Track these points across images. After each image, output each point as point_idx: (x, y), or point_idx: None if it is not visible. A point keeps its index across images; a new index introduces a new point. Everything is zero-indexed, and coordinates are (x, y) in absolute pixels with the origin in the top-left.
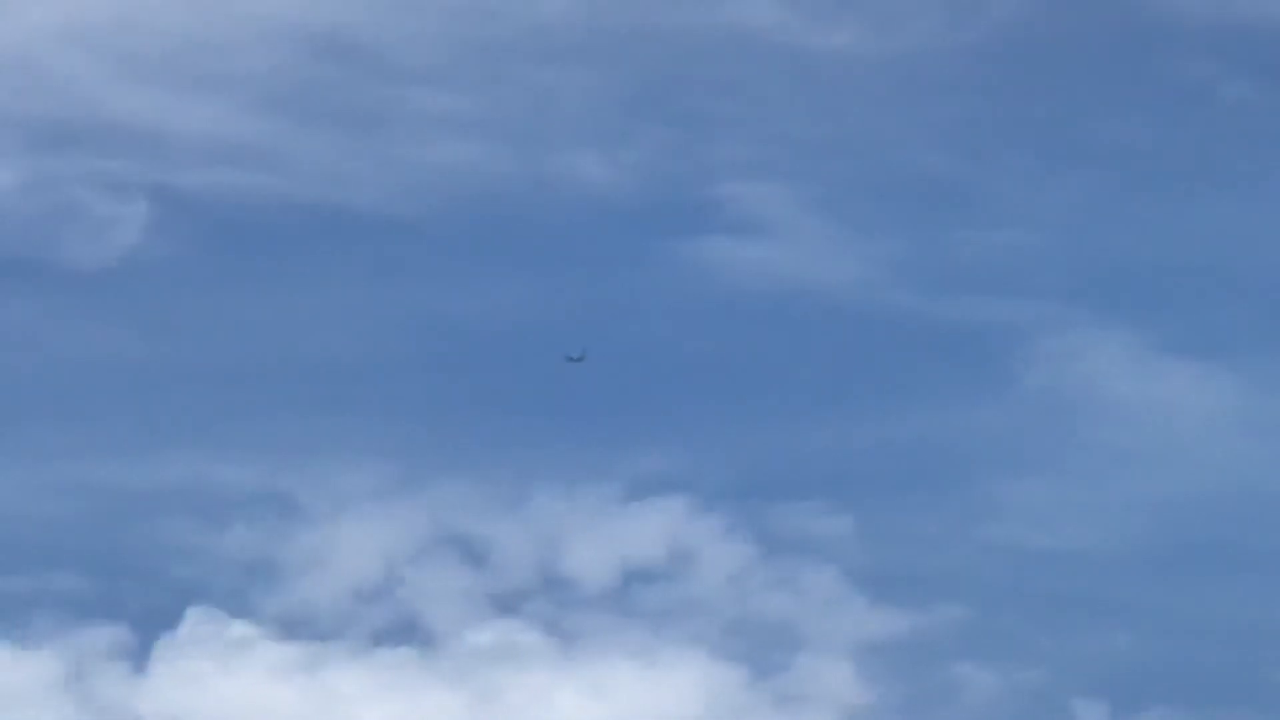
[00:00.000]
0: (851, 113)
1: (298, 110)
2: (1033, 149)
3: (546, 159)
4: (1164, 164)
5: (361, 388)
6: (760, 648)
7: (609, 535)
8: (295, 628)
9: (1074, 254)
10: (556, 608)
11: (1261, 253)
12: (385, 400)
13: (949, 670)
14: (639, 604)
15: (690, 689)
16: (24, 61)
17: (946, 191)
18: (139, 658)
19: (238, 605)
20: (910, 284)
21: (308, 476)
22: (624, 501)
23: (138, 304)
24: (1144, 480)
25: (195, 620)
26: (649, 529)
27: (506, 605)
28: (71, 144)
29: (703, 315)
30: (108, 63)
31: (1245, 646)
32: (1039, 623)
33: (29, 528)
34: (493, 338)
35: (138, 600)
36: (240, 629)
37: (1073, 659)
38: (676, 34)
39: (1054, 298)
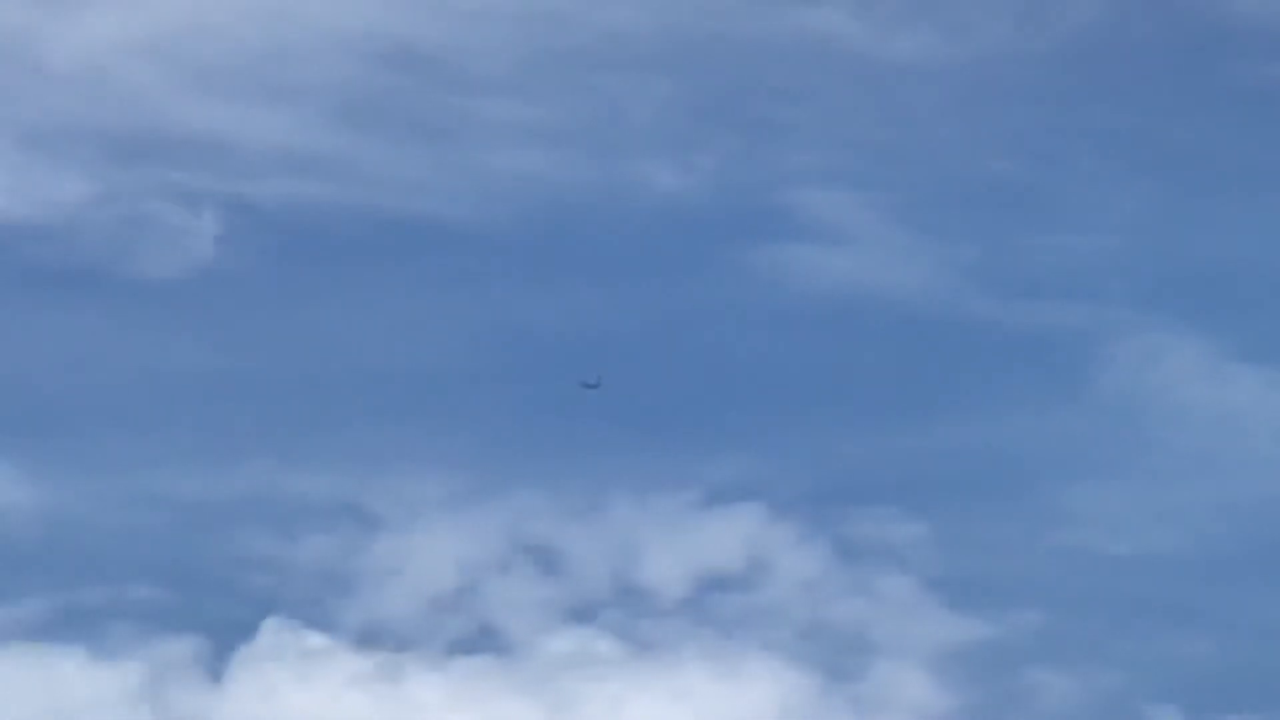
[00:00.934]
0: (923, 119)
1: (370, 121)
2: (1105, 154)
3: (618, 167)
4: (1237, 168)
5: (436, 397)
6: (836, 654)
7: (684, 543)
8: (371, 638)
9: (1147, 259)
10: (632, 616)
11: None
12: (460, 409)
13: (1024, 676)
14: (714, 611)
15: (766, 696)
16: (96, 73)
17: (1018, 197)
18: (215, 668)
19: (314, 616)
20: (983, 290)
21: (383, 486)
22: (699, 509)
23: (211, 315)
24: (1219, 484)
25: (271, 631)
26: (724, 536)
27: (582, 614)
28: (143, 156)
29: (776, 322)
30: (180, 74)
31: None
32: (1114, 628)
33: (105, 539)
34: (566, 345)
35: (214, 611)
36: (316, 640)
37: (1148, 664)
38: (748, 41)
39: (1127, 303)
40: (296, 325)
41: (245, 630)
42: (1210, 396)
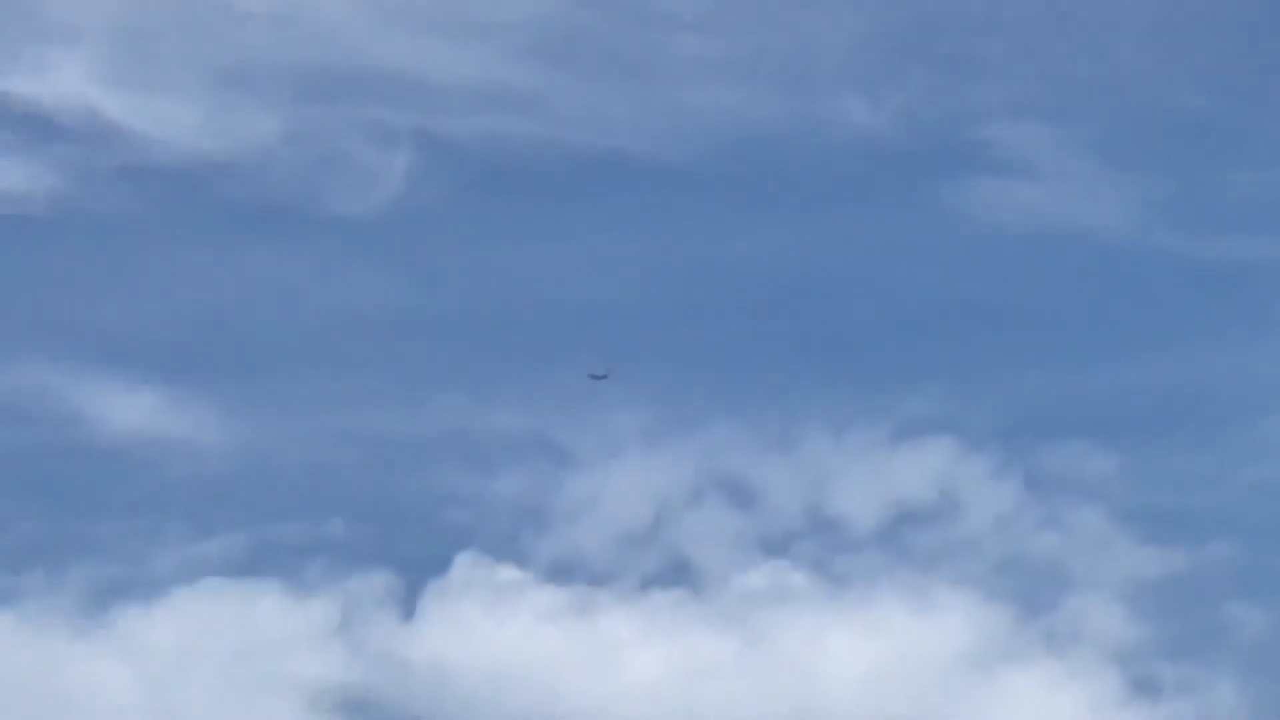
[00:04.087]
0: (1116, 52)
1: (562, 57)
2: None
3: (812, 103)
4: None
5: (629, 333)
6: (1029, 587)
7: (877, 477)
8: (565, 572)
9: None
10: (825, 549)
11: None
12: (653, 345)
13: (1218, 608)
14: (907, 545)
15: (960, 628)
16: (290, 12)
17: (1212, 131)
18: (409, 603)
19: (507, 551)
20: (1176, 224)
21: (577, 422)
22: (891, 443)
23: (403, 252)
24: None
25: (465, 566)
26: (917, 470)
27: (775, 547)
28: (336, 93)
29: (968, 256)
30: (372, 10)
31: None
32: None
33: (301, 476)
34: (759, 281)
35: (408, 547)
36: (509, 574)
37: None
38: None
39: None
40: (489, 261)
41: (439, 565)
42: None
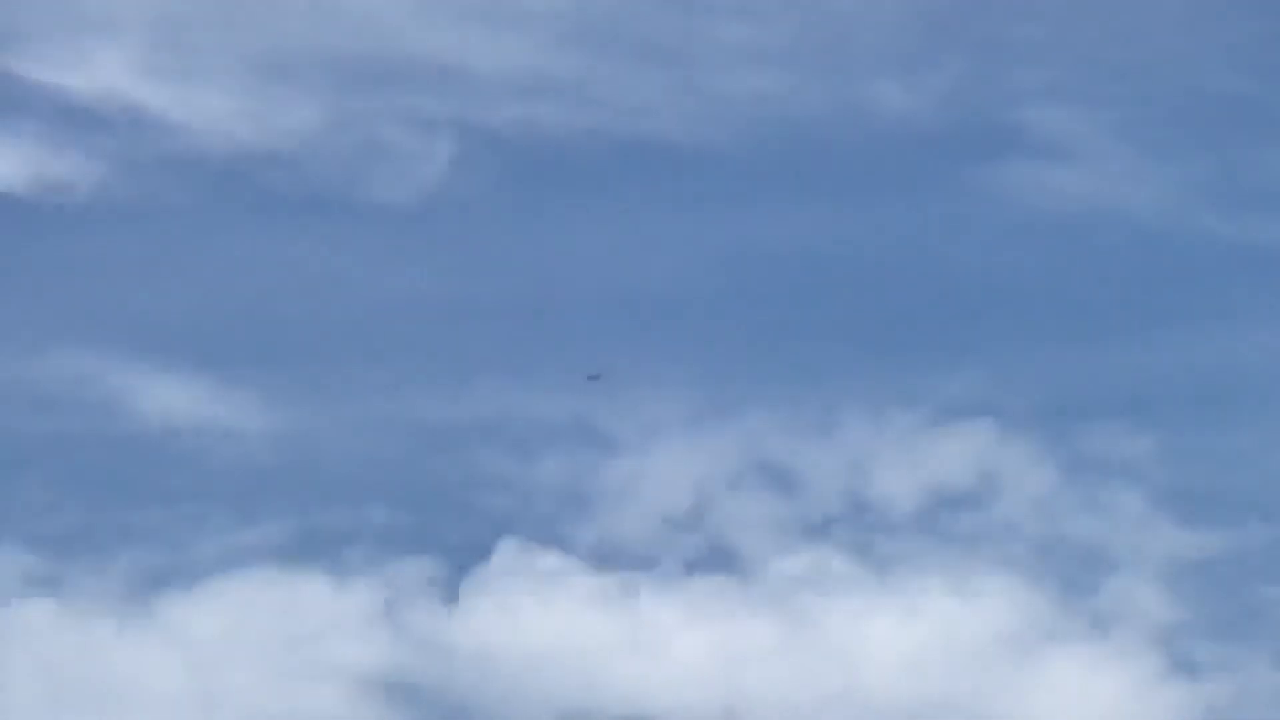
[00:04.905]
0: (1154, 35)
1: (602, 43)
2: None
3: (849, 88)
4: None
5: (669, 318)
6: (1070, 570)
7: (916, 460)
8: (607, 557)
9: None
10: (866, 533)
11: None
12: (693, 330)
13: (1260, 590)
14: (947, 528)
15: (1001, 611)
16: (329, 1)
17: (1249, 112)
18: (451, 590)
19: (549, 536)
20: (1214, 205)
21: (617, 406)
22: (930, 426)
23: (445, 240)
24: None
25: (507, 552)
26: (956, 453)
27: (816, 532)
28: (376, 81)
29: (1005, 239)
30: (412, 0)
31: None
32: None
33: (343, 463)
34: (798, 265)
35: (450, 533)
36: (552, 560)
37: None
38: None
39: None
40: (530, 248)
41: (481, 551)
42: None
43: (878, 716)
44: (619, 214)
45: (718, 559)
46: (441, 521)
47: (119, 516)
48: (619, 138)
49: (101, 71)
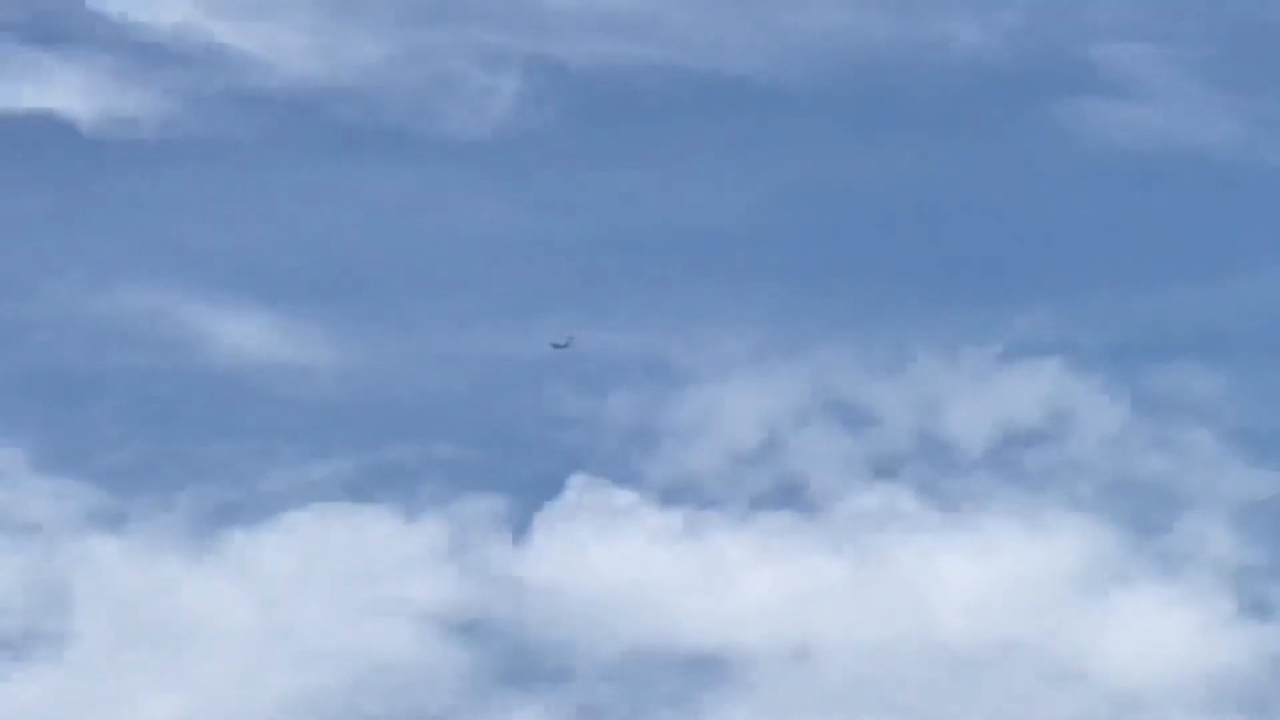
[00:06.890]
0: None
1: None
2: None
3: (921, 25)
4: None
5: (740, 254)
6: (1140, 509)
7: (987, 397)
8: (677, 494)
9: None
10: (936, 471)
11: None
12: (765, 265)
13: None
14: (1018, 466)
15: (1071, 550)
16: None
17: None
18: (520, 526)
19: (619, 472)
20: None
21: (688, 342)
22: (1001, 363)
23: (514, 175)
24: None
25: (576, 488)
26: (1026, 391)
27: (886, 469)
28: (446, 16)
29: (1077, 177)
30: None
31: None
32: None
33: (412, 398)
34: (870, 202)
35: (520, 469)
36: (622, 496)
37: None
38: None
39: None
40: (600, 184)
41: (551, 487)
42: None
43: (946, 654)
44: (689, 149)
45: (787, 496)
46: (510, 457)
47: (187, 451)
48: (689, 73)
49: (172, 7)
